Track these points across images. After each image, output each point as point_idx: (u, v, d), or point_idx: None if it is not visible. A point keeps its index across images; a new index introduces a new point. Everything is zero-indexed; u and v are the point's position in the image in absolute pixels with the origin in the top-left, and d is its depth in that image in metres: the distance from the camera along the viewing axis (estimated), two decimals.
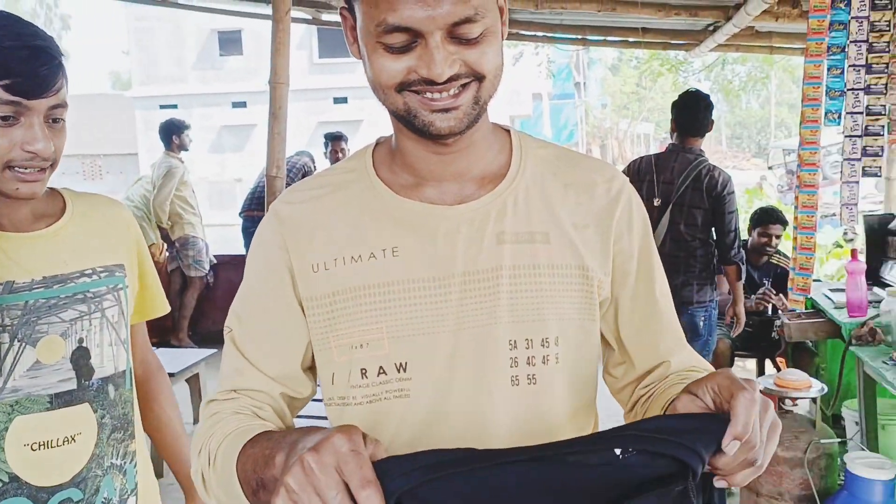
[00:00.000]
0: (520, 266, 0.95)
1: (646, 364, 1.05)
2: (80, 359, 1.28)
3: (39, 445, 1.24)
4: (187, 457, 1.54)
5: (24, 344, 1.23)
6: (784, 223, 4.47)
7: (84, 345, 1.29)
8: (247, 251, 5.89)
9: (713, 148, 27.63)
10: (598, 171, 1.04)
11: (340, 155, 5.92)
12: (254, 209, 6.07)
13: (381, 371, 0.95)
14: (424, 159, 0.98)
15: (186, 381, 4.06)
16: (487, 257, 0.95)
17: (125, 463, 1.35)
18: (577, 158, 1.05)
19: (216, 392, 1.03)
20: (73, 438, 1.27)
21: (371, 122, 22.94)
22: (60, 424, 1.26)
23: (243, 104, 25.18)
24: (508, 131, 1.06)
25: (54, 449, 1.25)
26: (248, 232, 6.08)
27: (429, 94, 0.88)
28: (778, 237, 4.40)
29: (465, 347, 0.94)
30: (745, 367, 5.39)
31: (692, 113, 3.65)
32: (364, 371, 0.96)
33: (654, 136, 31.23)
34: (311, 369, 1.05)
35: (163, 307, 1.50)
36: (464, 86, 0.88)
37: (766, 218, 4.46)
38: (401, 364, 0.95)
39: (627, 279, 1.03)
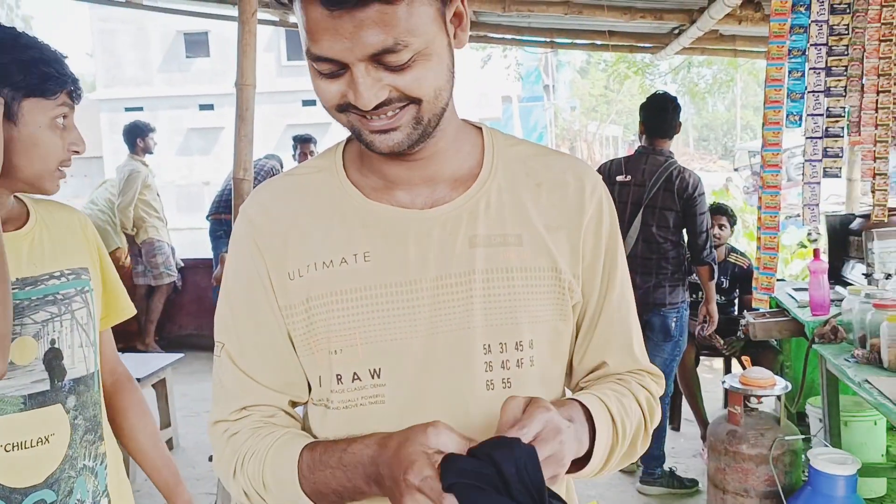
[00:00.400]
0: (493, 269, 0.95)
1: (587, 363, 1.05)
2: (53, 360, 1.28)
3: (13, 447, 1.24)
4: (168, 462, 1.55)
5: None
6: (728, 215, 4.52)
7: (56, 346, 1.29)
8: (215, 255, 5.88)
9: (680, 150, 27.97)
10: (571, 170, 1.03)
11: (309, 157, 5.88)
12: (221, 212, 6.01)
13: (356, 377, 0.95)
14: (390, 165, 0.97)
15: (153, 385, 4.01)
16: (460, 261, 0.95)
17: (97, 465, 1.35)
18: (550, 156, 1.04)
19: (222, 411, 1.00)
20: (46, 439, 1.26)
21: (336, 124, 22.86)
22: (34, 425, 1.26)
23: (210, 107, 24.97)
24: (481, 129, 1.04)
25: (28, 450, 1.25)
26: (216, 235, 6.02)
27: (367, 117, 0.87)
28: (722, 227, 4.43)
29: (439, 352, 0.94)
30: (711, 366, 5.46)
31: (660, 115, 3.69)
32: (339, 377, 0.95)
33: (623, 138, 31.52)
34: None
35: (128, 310, 1.50)
36: (402, 107, 0.87)
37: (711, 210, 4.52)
38: (375, 370, 0.94)
39: (594, 280, 1.02)
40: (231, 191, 5.92)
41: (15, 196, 1.35)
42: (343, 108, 0.88)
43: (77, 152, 1.32)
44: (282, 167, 6.37)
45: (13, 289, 1.24)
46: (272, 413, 1.00)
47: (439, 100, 0.88)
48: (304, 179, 1.01)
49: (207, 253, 6.15)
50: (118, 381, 1.50)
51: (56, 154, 1.29)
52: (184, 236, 9.91)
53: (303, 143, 5.93)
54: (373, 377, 0.94)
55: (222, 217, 5.97)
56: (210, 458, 2.79)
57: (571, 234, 0.99)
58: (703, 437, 3.95)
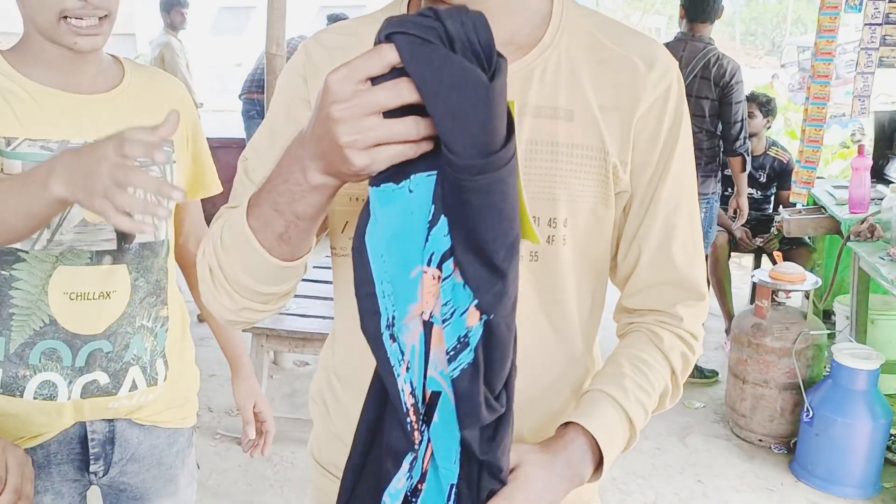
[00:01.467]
0: (537, 141, 0.91)
1: (630, 259, 1.00)
2: None
3: (77, 296, 1.30)
4: (236, 334, 1.61)
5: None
6: (760, 104, 4.28)
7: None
8: (247, 134, 5.87)
9: (726, 44, 26.86)
10: (641, 52, 0.95)
11: None
12: (254, 91, 5.97)
13: None
14: None
15: None
16: None
17: (156, 326, 1.40)
18: (622, 33, 0.97)
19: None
20: (108, 294, 1.32)
21: (377, 6, 22.23)
22: (97, 280, 1.32)
23: None
24: None
25: (90, 301, 1.31)
26: (248, 115, 6.00)
27: None
28: (752, 115, 4.17)
29: None
30: (740, 263, 5.44)
31: None
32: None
33: (666, 30, 30.35)
34: None
35: (215, 186, 1.51)
36: None
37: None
38: None
39: (645, 171, 0.96)
40: (263, 69, 5.91)
41: (114, 57, 1.36)
42: None
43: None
44: None
45: None
46: None
47: None
48: (366, 28, 0.96)
49: (240, 133, 6.14)
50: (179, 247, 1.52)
51: (50, 3, 1.19)
52: (216, 118, 9.88)
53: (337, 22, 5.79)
54: None
55: (254, 96, 5.93)
56: None
57: (624, 117, 0.94)
58: (728, 331, 3.98)
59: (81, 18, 1.21)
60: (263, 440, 1.62)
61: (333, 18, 5.85)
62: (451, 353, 0.71)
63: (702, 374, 3.71)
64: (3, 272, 1.29)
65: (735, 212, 3.93)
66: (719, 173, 3.66)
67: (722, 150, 3.60)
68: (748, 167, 3.76)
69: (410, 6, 0.99)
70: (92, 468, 1.41)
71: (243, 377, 1.61)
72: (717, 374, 3.73)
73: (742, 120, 3.52)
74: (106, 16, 1.23)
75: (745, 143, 3.57)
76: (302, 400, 3.28)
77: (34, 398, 1.33)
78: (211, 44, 24.60)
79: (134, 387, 1.27)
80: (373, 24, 0.96)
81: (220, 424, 3.03)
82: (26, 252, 1.29)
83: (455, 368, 0.71)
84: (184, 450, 1.51)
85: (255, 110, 5.95)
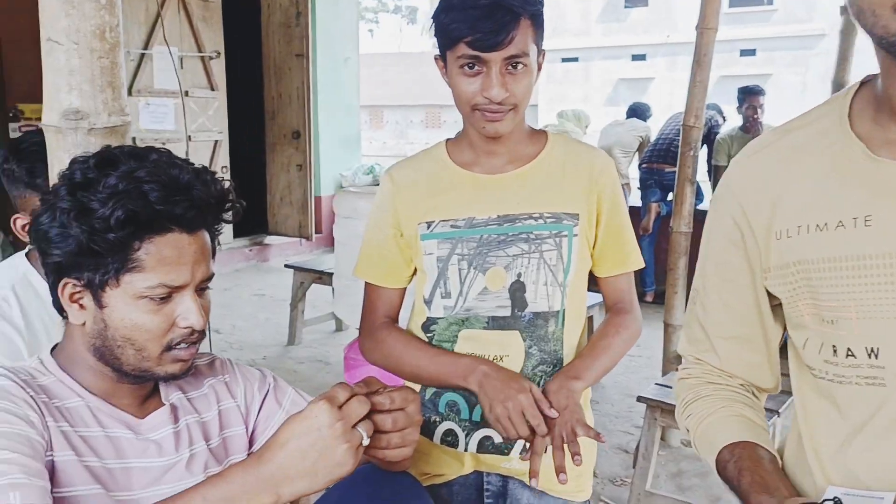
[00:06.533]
0: None
1: None
2: (517, 291, 1.40)
3: (477, 356, 1.41)
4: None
5: (477, 272, 1.40)
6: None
7: (521, 279, 1.40)
8: (643, 203, 5.90)
9: None
10: None
11: (758, 111, 5.47)
12: (654, 161, 6.01)
13: (850, 353, 0.88)
14: None
15: None
16: None
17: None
18: None
19: (685, 348, 1.14)
20: (501, 358, 1.41)
21: (777, 76, 21.08)
22: (493, 343, 1.41)
23: (643, 57, 24.93)
24: None
25: None
26: (646, 184, 6.04)
27: None
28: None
29: None
30: None
31: None
32: (834, 348, 0.89)
33: None
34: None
35: (634, 262, 1.49)
36: None
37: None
38: (872, 349, 0.86)
39: None
40: (665, 140, 5.93)
41: (541, 133, 1.46)
42: None
43: (489, 98, 1.32)
44: (721, 116, 6.10)
45: (492, 224, 1.39)
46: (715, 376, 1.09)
47: None
48: (798, 135, 0.94)
49: (635, 201, 6.21)
50: (612, 313, 1.52)
51: (465, 97, 1.34)
52: None
53: (751, 96, 5.53)
54: (869, 356, 0.86)
55: (654, 166, 5.97)
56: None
57: None
58: None
59: (486, 111, 1.32)
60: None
61: (747, 91, 5.60)
62: None
63: None
64: (427, 334, 1.46)
65: None
66: None
67: None
68: None
69: (857, 96, 0.93)
70: None
71: None
72: None
73: None
74: (511, 107, 1.32)
75: None
76: (689, 482, 3.12)
77: (441, 442, 1.47)
78: (608, 114, 25.60)
79: (525, 450, 1.31)
80: (805, 124, 0.96)
81: (603, 491, 3.02)
82: (442, 318, 1.44)
83: None
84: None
85: (652, 179, 5.98)
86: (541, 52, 1.36)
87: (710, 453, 1.01)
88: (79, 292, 1.05)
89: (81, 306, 1.06)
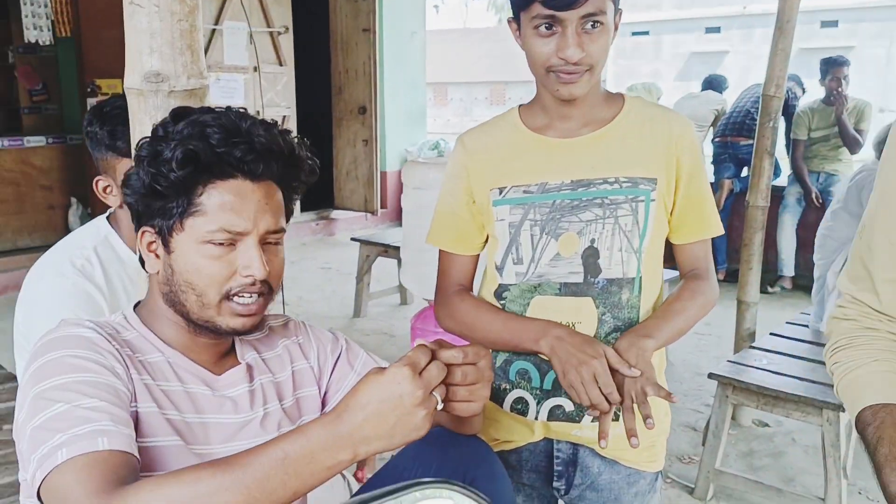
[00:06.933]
0: None
1: None
2: (590, 257, 1.37)
3: None
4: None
5: (549, 237, 1.38)
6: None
7: (594, 245, 1.37)
8: (716, 178, 5.74)
9: None
10: None
11: (843, 83, 5.20)
12: (728, 134, 5.83)
13: None
14: None
15: None
16: None
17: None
18: None
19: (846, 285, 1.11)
20: (573, 325, 1.38)
21: (860, 49, 20.17)
22: (564, 310, 1.38)
23: (717, 29, 24.13)
24: None
25: None
26: (720, 159, 5.87)
27: None
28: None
29: None
30: None
31: None
32: None
33: None
34: None
35: (713, 229, 1.44)
36: None
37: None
38: None
39: None
40: (740, 113, 5.73)
41: (619, 96, 1.42)
42: None
43: (564, 59, 1.28)
44: (802, 89, 5.86)
45: (565, 189, 1.35)
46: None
47: None
48: None
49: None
50: (687, 279, 1.47)
51: (539, 59, 1.30)
52: None
53: (835, 67, 5.27)
54: None
55: (728, 139, 5.79)
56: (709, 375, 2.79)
57: None
58: None
59: (562, 72, 1.28)
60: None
61: (831, 62, 5.36)
62: None
63: None
64: (499, 301, 1.44)
65: None
66: None
67: None
68: None
69: None
70: (555, 483, 1.48)
71: None
72: None
73: None
74: (587, 68, 1.28)
75: None
76: (761, 462, 3.05)
77: (511, 410, 1.45)
78: (677, 89, 24.94)
79: (597, 419, 1.29)
80: None
81: (671, 469, 2.97)
82: (514, 285, 1.41)
83: None
84: (644, 493, 1.48)
85: (726, 154, 5.80)
86: (618, 12, 1.31)
87: (852, 410, 0.97)
88: (153, 241, 1.09)
89: (157, 255, 1.09)
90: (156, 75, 1.19)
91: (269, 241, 1.10)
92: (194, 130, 1.03)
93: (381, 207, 7.49)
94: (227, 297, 1.07)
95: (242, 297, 1.07)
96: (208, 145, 1.02)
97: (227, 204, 1.04)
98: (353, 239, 5.15)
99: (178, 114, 1.08)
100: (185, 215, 1.04)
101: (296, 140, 1.13)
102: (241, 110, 1.09)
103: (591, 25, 1.25)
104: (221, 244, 1.05)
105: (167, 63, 1.20)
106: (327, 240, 7.47)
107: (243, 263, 1.06)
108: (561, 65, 1.27)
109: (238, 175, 1.05)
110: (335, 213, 7.65)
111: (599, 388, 1.25)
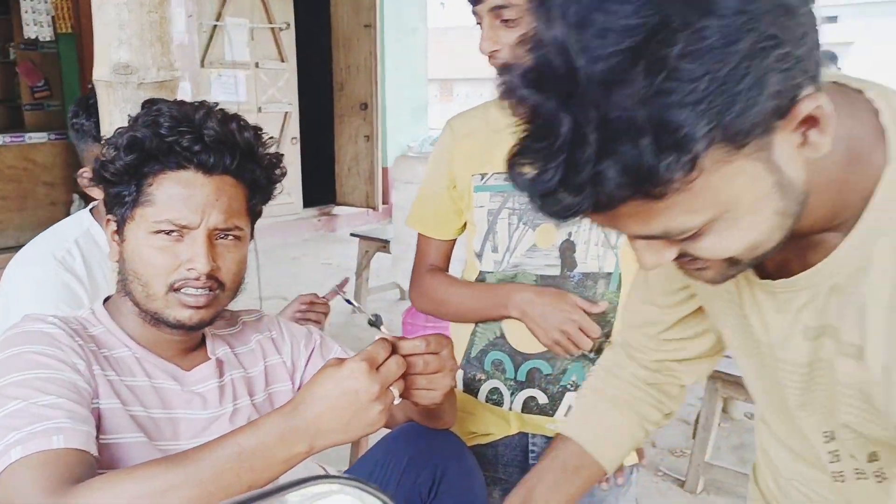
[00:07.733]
0: None
1: None
2: (567, 250, 1.38)
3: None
4: None
5: (526, 227, 1.38)
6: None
7: (571, 238, 1.37)
8: None
9: None
10: None
11: None
12: None
13: None
14: None
15: None
16: None
17: (597, 357, 1.41)
18: None
19: None
20: None
21: (863, 45, 19.88)
22: None
23: (834, 18, 22.89)
24: None
25: None
26: None
27: None
28: None
29: None
30: None
31: None
32: None
33: None
34: None
35: None
36: None
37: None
38: None
39: None
40: None
41: None
42: None
43: None
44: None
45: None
46: None
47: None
48: None
49: None
50: None
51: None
52: None
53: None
54: None
55: None
56: None
57: None
58: None
59: None
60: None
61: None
62: None
63: None
64: None
65: None
66: None
67: None
68: None
69: None
70: None
71: None
72: None
73: None
74: None
75: None
76: (752, 455, 3.03)
77: (486, 401, 1.46)
78: None
79: (570, 412, 1.30)
80: None
81: (662, 462, 2.98)
82: (490, 273, 1.42)
83: None
84: (619, 487, 1.48)
85: None
86: None
87: None
88: (116, 230, 1.10)
89: (118, 244, 1.10)
90: (125, 67, 1.21)
91: (223, 238, 1.08)
92: (148, 119, 1.03)
93: (383, 203, 7.50)
94: (174, 289, 1.06)
95: (188, 290, 1.07)
96: (156, 133, 1.02)
97: (175, 196, 1.04)
98: (352, 234, 5.15)
99: (146, 103, 1.09)
100: (135, 205, 1.05)
101: (255, 135, 1.11)
102: (213, 105, 1.09)
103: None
104: (168, 235, 1.04)
105: (136, 55, 1.21)
106: (329, 236, 7.48)
107: (187, 257, 1.05)
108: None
109: (190, 167, 1.04)
110: (337, 209, 7.66)
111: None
